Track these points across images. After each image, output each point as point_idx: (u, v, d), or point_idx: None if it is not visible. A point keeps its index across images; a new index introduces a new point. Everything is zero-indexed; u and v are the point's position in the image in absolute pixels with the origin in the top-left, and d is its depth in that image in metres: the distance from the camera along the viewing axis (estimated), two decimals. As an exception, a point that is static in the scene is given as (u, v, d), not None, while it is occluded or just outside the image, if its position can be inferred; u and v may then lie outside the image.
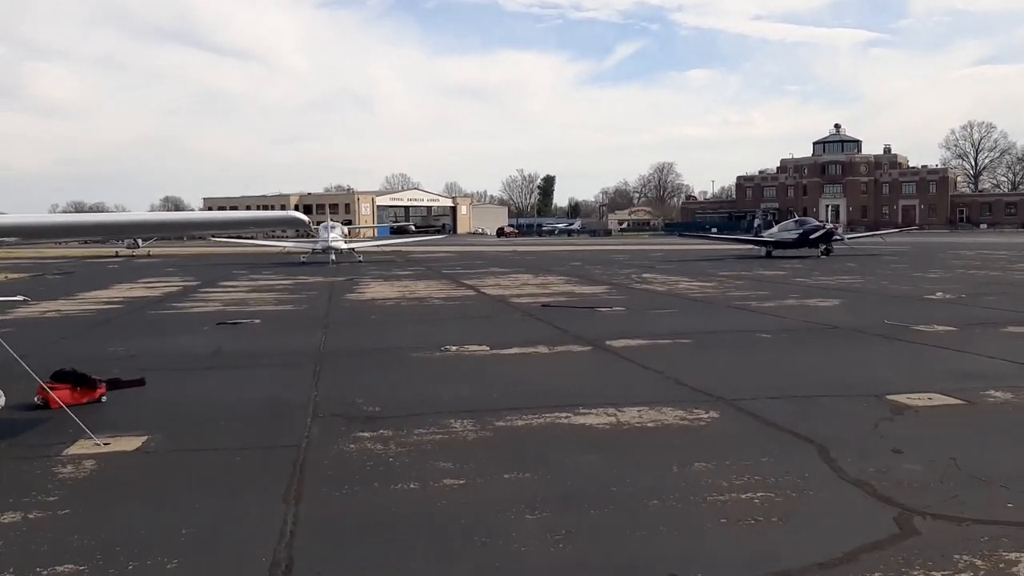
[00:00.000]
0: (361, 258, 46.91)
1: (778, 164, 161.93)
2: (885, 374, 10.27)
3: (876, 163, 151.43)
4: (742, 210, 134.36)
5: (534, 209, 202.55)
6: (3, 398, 8.67)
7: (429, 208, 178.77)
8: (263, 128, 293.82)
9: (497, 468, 6.52)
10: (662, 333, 14.40)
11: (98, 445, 7.29)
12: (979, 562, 4.60)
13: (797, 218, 52.41)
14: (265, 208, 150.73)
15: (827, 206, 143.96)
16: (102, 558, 4.79)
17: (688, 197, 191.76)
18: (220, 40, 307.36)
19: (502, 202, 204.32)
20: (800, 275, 30.19)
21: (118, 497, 6.02)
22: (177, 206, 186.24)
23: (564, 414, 8.29)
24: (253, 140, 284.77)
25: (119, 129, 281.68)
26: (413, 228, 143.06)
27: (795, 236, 44.96)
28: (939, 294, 21.31)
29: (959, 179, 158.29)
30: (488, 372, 11.06)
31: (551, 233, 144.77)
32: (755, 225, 55.98)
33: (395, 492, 6.00)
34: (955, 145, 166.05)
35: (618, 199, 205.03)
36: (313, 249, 45.60)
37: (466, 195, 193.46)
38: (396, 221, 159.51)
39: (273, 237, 62.44)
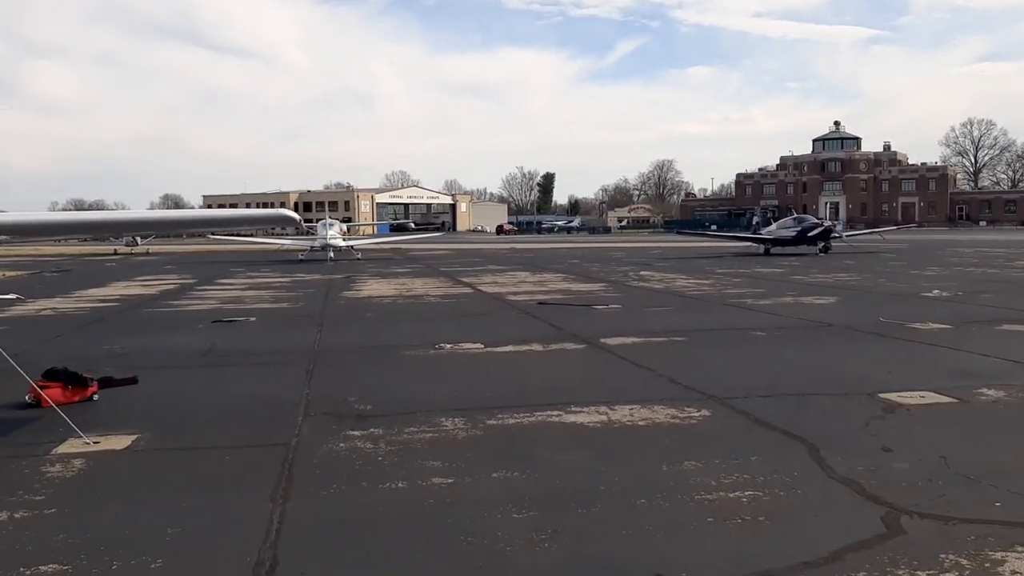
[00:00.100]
0: (359, 255, 46.90)
1: (778, 161, 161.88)
2: (878, 372, 10.26)
3: (876, 160, 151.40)
4: (742, 207, 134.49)
5: (534, 206, 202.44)
6: (-6, 397, 8.69)
7: (429, 206, 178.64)
8: (263, 126, 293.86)
9: (486, 467, 6.51)
10: (657, 331, 14.39)
11: (87, 444, 7.29)
12: (965, 561, 4.59)
13: (795, 216, 52.48)
14: (265, 206, 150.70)
15: (827, 203, 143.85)
16: (86, 558, 4.78)
17: (688, 194, 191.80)
18: (220, 38, 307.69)
19: (502, 199, 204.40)
20: (797, 273, 30.18)
21: (105, 496, 6.00)
22: (177, 204, 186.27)
23: (556, 412, 8.28)
24: (253, 138, 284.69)
25: (119, 127, 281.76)
26: (412, 226, 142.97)
27: (793, 234, 44.92)
28: (936, 292, 21.31)
29: (959, 176, 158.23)
30: (481, 370, 11.05)
31: (550, 230, 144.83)
32: (754, 223, 55.97)
33: (383, 491, 5.99)
34: (955, 142, 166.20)
35: (618, 196, 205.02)
36: (311, 247, 45.66)
37: (466, 193, 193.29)
38: (396, 219, 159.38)
39: (272, 235, 62.47)
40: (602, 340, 13.24)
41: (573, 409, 8.37)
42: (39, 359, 10.89)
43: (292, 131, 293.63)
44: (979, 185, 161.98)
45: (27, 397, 8.82)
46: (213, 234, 56.92)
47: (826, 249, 43.67)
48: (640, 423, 7.91)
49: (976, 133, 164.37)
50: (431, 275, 32.11)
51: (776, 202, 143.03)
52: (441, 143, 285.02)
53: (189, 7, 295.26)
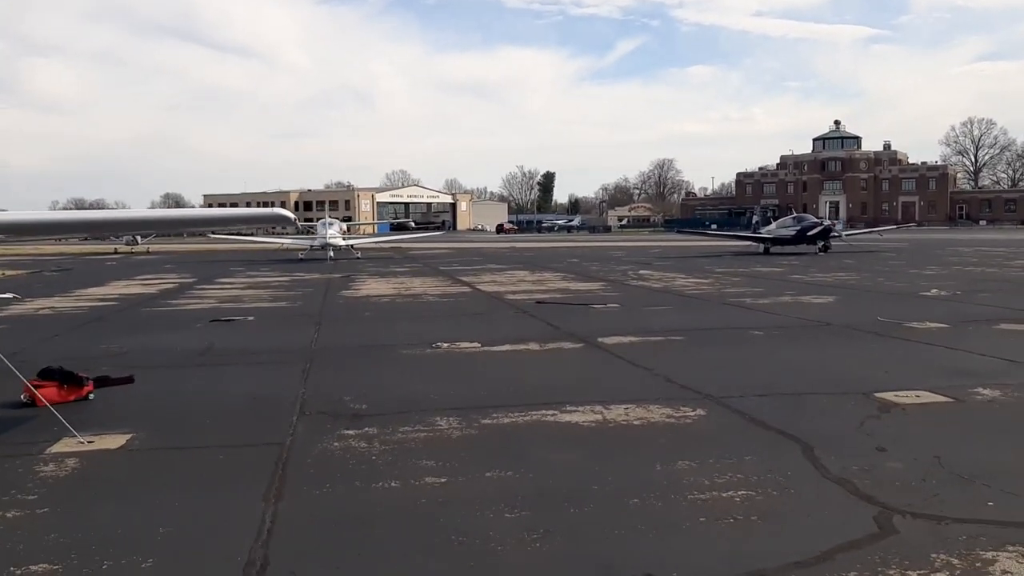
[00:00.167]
0: (359, 255, 46.91)
1: (778, 161, 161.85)
2: (875, 372, 10.25)
3: (876, 160, 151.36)
4: (742, 207, 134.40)
5: (534, 205, 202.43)
6: (-10, 396, 8.69)
7: (429, 205, 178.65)
8: (263, 125, 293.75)
9: (479, 466, 6.50)
10: (655, 330, 14.38)
11: (82, 443, 7.28)
12: (956, 561, 4.59)
13: (795, 215, 52.45)
14: (265, 205, 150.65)
15: (827, 202, 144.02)
16: (77, 557, 4.78)
17: (688, 194, 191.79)
18: (220, 36, 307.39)
19: (502, 198, 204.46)
20: (797, 272, 30.17)
21: (98, 496, 6.00)
22: (178, 203, 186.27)
23: (551, 412, 8.27)
24: (253, 137, 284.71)
25: (119, 126, 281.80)
26: (413, 225, 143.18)
27: (793, 233, 44.89)
28: (934, 291, 21.30)
29: (959, 176, 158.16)
30: (477, 369, 11.05)
31: (550, 229, 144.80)
32: (753, 222, 55.98)
33: (376, 491, 5.99)
34: (955, 142, 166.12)
35: (618, 195, 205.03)
36: (311, 246, 45.71)
37: (466, 192, 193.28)
38: (396, 218, 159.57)
39: (273, 234, 62.49)
40: (599, 339, 13.24)
41: (568, 408, 8.37)
42: (37, 358, 10.88)
43: (292, 130, 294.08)
44: (979, 184, 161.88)
45: (22, 396, 8.80)
46: (214, 233, 56.83)
47: (825, 248, 43.66)
48: (635, 422, 7.90)
49: (976, 132, 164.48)
50: (430, 274, 32.11)
51: (776, 201, 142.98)
52: (441, 142, 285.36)
53: (189, 6, 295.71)
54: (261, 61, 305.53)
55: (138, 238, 59.11)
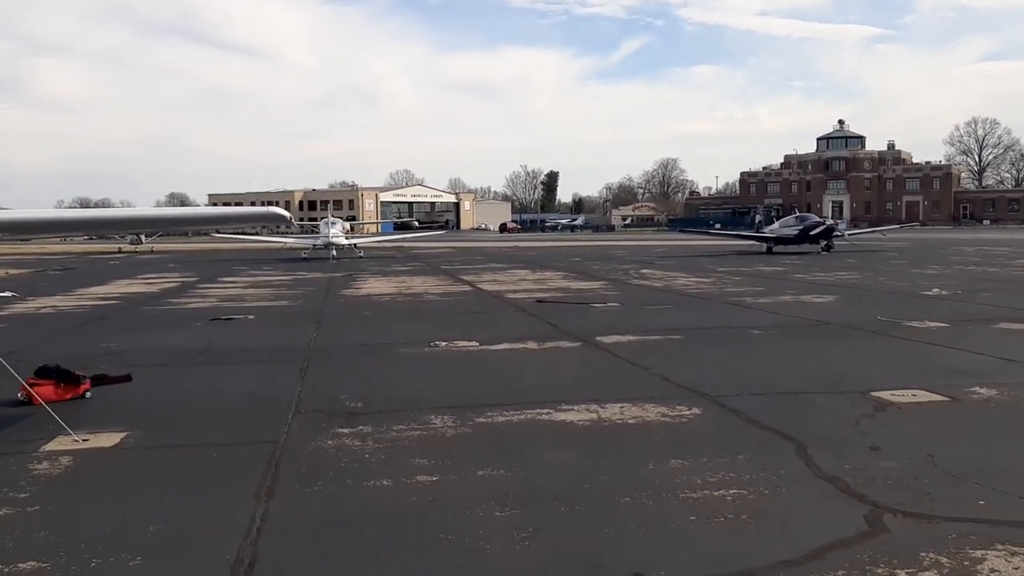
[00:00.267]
0: (362, 254, 46.98)
1: (782, 160, 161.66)
2: (872, 371, 10.23)
3: (880, 159, 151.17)
4: (746, 206, 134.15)
5: (538, 205, 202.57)
6: (-14, 394, 8.71)
7: (433, 204, 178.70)
8: (268, 125, 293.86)
9: (472, 465, 6.50)
10: (654, 329, 14.37)
11: (76, 441, 7.29)
12: (944, 560, 4.57)
13: (798, 214, 52.39)
14: (269, 204, 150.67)
15: (830, 202, 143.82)
16: (66, 555, 4.78)
17: (692, 193, 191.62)
18: (224, 36, 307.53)
19: (506, 198, 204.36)
20: (799, 271, 30.14)
21: (90, 494, 6.01)
22: (183, 202, 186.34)
23: (545, 410, 8.27)
24: (258, 137, 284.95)
25: (124, 125, 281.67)
26: (416, 224, 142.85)
27: (796, 232, 44.85)
28: (935, 290, 21.26)
29: (963, 175, 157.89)
30: (474, 368, 11.05)
31: (554, 229, 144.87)
32: (756, 221, 55.92)
33: (367, 489, 5.99)
34: (959, 141, 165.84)
35: (622, 195, 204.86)
36: (314, 245, 45.83)
37: (470, 191, 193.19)
38: (400, 217, 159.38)
39: (277, 233, 62.56)
40: (598, 338, 13.23)
41: (563, 407, 8.36)
42: (36, 357, 10.88)
43: (297, 130, 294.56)
44: (983, 184, 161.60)
45: (19, 395, 8.82)
46: (218, 232, 56.96)
47: (828, 248, 43.63)
48: (630, 421, 7.89)
49: (980, 132, 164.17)
50: (431, 273, 32.12)
51: (780, 201, 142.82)
52: (445, 142, 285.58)
53: (193, 6, 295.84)
54: (265, 61, 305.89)
55: (142, 237, 59.19)
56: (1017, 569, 4.45)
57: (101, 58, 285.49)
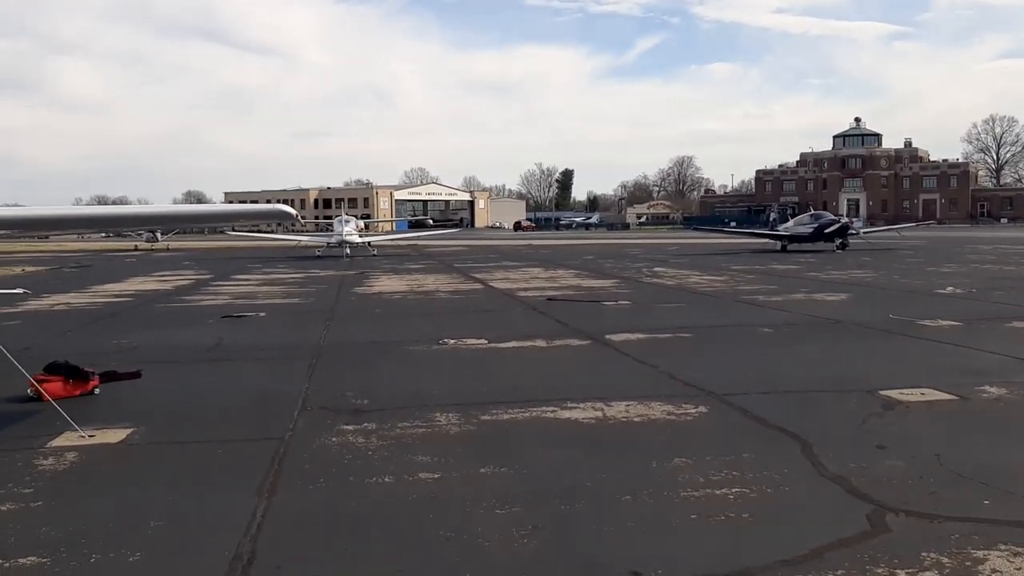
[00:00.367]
0: (375, 252, 47.08)
1: (798, 158, 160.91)
2: (881, 369, 10.17)
3: (896, 157, 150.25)
4: (761, 204, 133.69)
5: (552, 203, 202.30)
6: (-4, 390, 8.77)
7: (447, 202, 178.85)
8: (284, 123, 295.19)
9: (475, 462, 6.49)
10: (664, 327, 14.33)
11: (83, 437, 7.33)
12: (946, 560, 4.54)
13: (813, 212, 52.14)
14: (284, 202, 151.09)
15: (846, 200, 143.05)
16: (66, 551, 4.80)
17: (707, 191, 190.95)
18: (241, 35, 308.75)
19: (520, 196, 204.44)
20: (812, 269, 29.99)
21: (93, 490, 6.04)
22: (200, 200, 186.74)
23: (551, 408, 8.25)
24: (274, 135, 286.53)
25: (142, 124, 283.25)
26: (431, 222, 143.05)
27: (810, 230, 44.61)
28: (949, 289, 21.11)
29: (980, 173, 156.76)
30: (482, 366, 11.05)
31: (568, 227, 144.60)
32: (771, 219, 55.70)
33: (369, 486, 5.99)
34: (977, 139, 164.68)
35: (637, 193, 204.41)
36: (328, 243, 45.95)
37: (484, 189, 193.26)
38: (414, 215, 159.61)
39: (291, 231, 62.79)
40: (607, 336, 13.20)
41: (569, 405, 8.34)
42: (48, 353, 10.93)
43: (313, 128, 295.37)
44: (1001, 182, 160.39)
45: (28, 391, 8.87)
46: (234, 230, 57.17)
47: (843, 246, 43.38)
48: (635, 419, 7.87)
49: (998, 130, 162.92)
50: (444, 271, 32.15)
51: (796, 199, 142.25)
52: (460, 140, 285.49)
53: (210, 5, 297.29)
54: (282, 59, 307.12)
55: (158, 235, 59.52)
56: (1019, 570, 4.41)
57: (119, 57, 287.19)
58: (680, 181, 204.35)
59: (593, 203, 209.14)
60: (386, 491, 5.88)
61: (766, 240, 48.69)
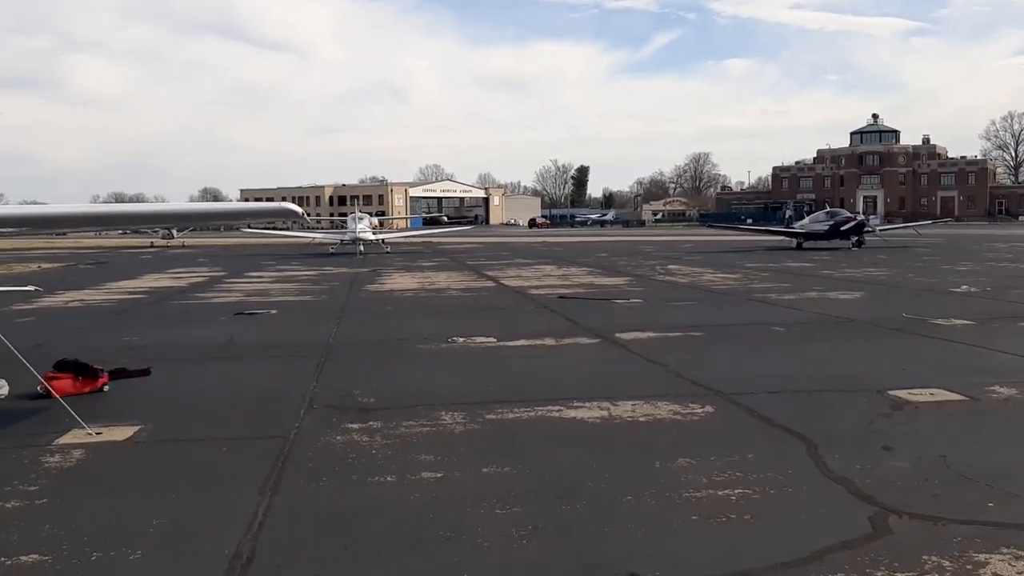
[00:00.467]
0: (388, 249, 47.17)
1: (815, 155, 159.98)
2: (892, 369, 10.11)
3: (914, 154, 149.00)
4: (778, 201, 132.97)
5: (568, 200, 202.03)
6: (6, 388, 8.83)
7: (462, 199, 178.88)
8: (299, 120, 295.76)
9: (477, 462, 6.49)
10: (675, 326, 14.29)
11: (90, 435, 7.37)
12: (947, 563, 4.50)
13: (828, 209, 51.73)
14: (300, 199, 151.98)
15: (864, 197, 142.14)
16: (68, 549, 4.84)
17: (724, 188, 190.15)
18: (256, 32, 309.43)
19: (535, 193, 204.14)
20: (827, 267, 29.82)
21: (98, 487, 6.07)
22: (216, 197, 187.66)
23: (557, 407, 8.24)
24: (289, 131, 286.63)
25: (158, 120, 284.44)
26: (445, 219, 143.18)
27: (826, 228, 44.33)
28: (964, 287, 20.96)
29: (999, 170, 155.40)
30: (490, 364, 11.04)
31: (583, 224, 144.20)
32: (787, 216, 55.42)
33: (371, 485, 6.00)
34: (995, 136, 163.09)
35: (653, 190, 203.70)
36: (341, 240, 46.05)
37: (499, 186, 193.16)
38: (429, 212, 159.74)
39: (306, 228, 62.97)
40: (617, 335, 13.17)
41: (575, 404, 8.33)
42: (61, 350, 11.01)
43: (328, 125, 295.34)
44: (1019, 179, 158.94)
45: (38, 388, 8.93)
46: (249, 227, 57.38)
47: (859, 243, 43.05)
48: (641, 419, 7.85)
49: (1017, 127, 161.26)
50: (456, 269, 32.17)
51: (813, 196, 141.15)
52: (475, 136, 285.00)
53: (226, 1, 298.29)
54: (296, 56, 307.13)
55: (174, 232, 59.84)
56: (1021, 573, 4.37)
57: (135, 54, 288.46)
58: (696, 178, 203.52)
59: (609, 200, 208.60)
60: (388, 491, 5.88)
61: (781, 238, 48.45)
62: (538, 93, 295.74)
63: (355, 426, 7.61)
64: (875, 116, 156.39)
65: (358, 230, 44.39)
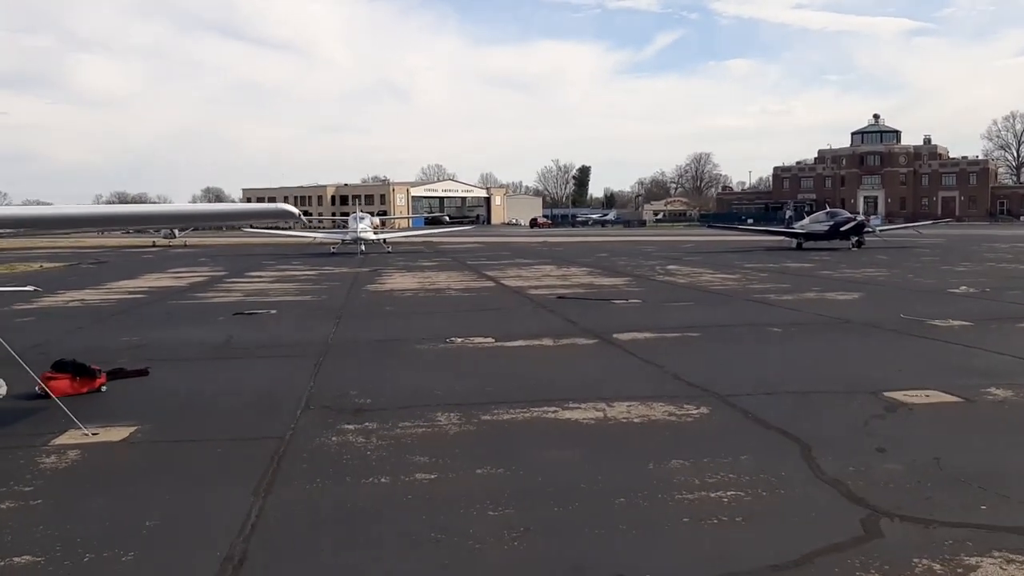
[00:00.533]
0: (390, 248, 47.21)
1: (816, 155, 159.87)
2: (888, 370, 10.11)
3: (915, 154, 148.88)
4: (779, 201, 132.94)
5: (569, 200, 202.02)
6: (4, 388, 8.83)
7: (464, 199, 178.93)
8: (302, 119, 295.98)
9: (471, 463, 6.51)
10: (672, 326, 14.30)
11: (86, 435, 7.40)
12: (937, 566, 4.51)
13: (829, 210, 51.69)
14: (302, 199, 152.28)
15: (865, 197, 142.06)
16: (61, 550, 4.85)
17: (724, 188, 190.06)
18: (260, 31, 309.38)
19: (537, 193, 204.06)
20: (826, 268, 29.81)
21: (92, 488, 6.09)
22: (219, 197, 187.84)
23: (552, 408, 8.26)
24: (292, 131, 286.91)
25: (161, 120, 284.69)
26: (447, 219, 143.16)
27: (826, 228, 44.29)
28: (963, 288, 20.95)
29: (1000, 171, 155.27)
30: (487, 365, 11.05)
31: (585, 224, 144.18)
32: (787, 216, 55.39)
33: (364, 486, 6.02)
34: (997, 136, 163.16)
35: (654, 189, 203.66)
36: (343, 239, 46.09)
37: (501, 186, 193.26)
38: (431, 212, 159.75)
39: (308, 227, 62.98)
40: (614, 335, 13.19)
41: (570, 406, 8.34)
42: (60, 350, 11.05)
43: (330, 124, 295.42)
44: (1021, 179, 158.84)
45: (36, 388, 8.95)
46: (252, 226, 57.43)
47: (859, 244, 43.02)
48: (636, 420, 7.86)
49: (1019, 127, 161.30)
50: (456, 269, 32.18)
51: (814, 196, 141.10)
52: (478, 136, 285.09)
53: (229, 1, 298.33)
54: (299, 55, 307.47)
55: (175, 232, 59.89)
56: (1010, 577, 4.38)
57: (139, 53, 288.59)
58: (697, 178, 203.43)
59: (610, 200, 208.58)
60: (382, 492, 5.90)
61: (781, 238, 48.42)
62: (540, 93, 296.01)
63: (351, 427, 7.63)
64: (876, 116, 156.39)
65: (359, 230, 44.41)
